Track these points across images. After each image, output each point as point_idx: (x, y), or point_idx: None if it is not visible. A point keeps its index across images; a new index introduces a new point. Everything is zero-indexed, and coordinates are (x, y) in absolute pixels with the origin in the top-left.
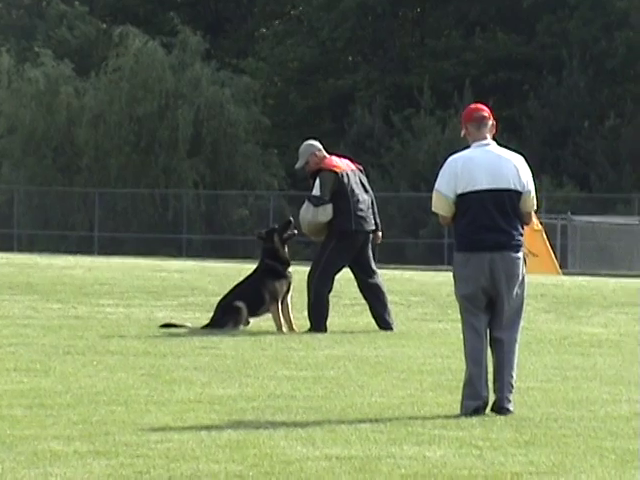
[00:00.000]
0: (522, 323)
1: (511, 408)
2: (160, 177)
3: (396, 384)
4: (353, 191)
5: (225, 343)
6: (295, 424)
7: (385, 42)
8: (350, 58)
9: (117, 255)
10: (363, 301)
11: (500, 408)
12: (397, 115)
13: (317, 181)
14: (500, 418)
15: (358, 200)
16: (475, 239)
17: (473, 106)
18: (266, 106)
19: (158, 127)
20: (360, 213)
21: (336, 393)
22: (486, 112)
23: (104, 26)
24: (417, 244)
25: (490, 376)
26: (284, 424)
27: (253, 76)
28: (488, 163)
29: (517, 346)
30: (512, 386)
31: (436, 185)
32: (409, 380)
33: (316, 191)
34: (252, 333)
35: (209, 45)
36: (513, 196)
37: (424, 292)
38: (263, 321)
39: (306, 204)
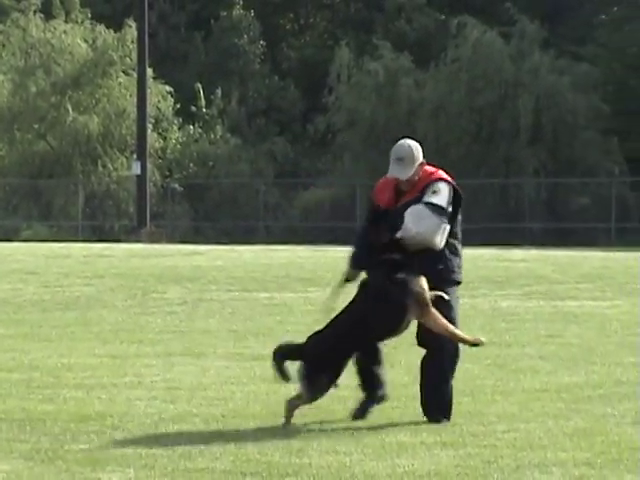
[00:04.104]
0: None
1: None
2: (500, 166)
3: None
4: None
5: (570, 331)
6: None
7: None
8: None
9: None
10: None
11: None
12: None
13: (435, 188)
14: None
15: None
16: None
17: None
18: (606, 93)
19: (498, 117)
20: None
21: None
22: None
23: (442, 17)
24: None
25: None
26: (631, 411)
27: (592, 63)
28: None
29: None
30: None
31: None
32: None
33: (439, 200)
34: (597, 322)
35: (547, 33)
36: None
37: None
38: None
39: (428, 210)
